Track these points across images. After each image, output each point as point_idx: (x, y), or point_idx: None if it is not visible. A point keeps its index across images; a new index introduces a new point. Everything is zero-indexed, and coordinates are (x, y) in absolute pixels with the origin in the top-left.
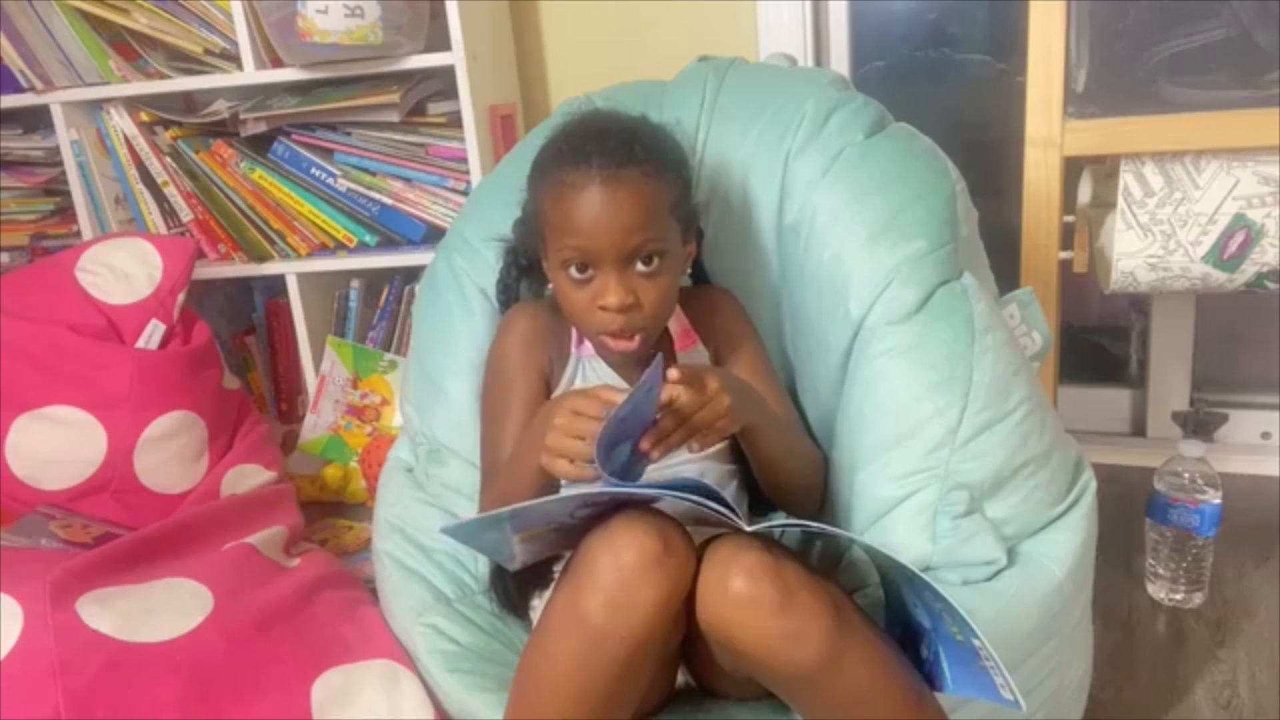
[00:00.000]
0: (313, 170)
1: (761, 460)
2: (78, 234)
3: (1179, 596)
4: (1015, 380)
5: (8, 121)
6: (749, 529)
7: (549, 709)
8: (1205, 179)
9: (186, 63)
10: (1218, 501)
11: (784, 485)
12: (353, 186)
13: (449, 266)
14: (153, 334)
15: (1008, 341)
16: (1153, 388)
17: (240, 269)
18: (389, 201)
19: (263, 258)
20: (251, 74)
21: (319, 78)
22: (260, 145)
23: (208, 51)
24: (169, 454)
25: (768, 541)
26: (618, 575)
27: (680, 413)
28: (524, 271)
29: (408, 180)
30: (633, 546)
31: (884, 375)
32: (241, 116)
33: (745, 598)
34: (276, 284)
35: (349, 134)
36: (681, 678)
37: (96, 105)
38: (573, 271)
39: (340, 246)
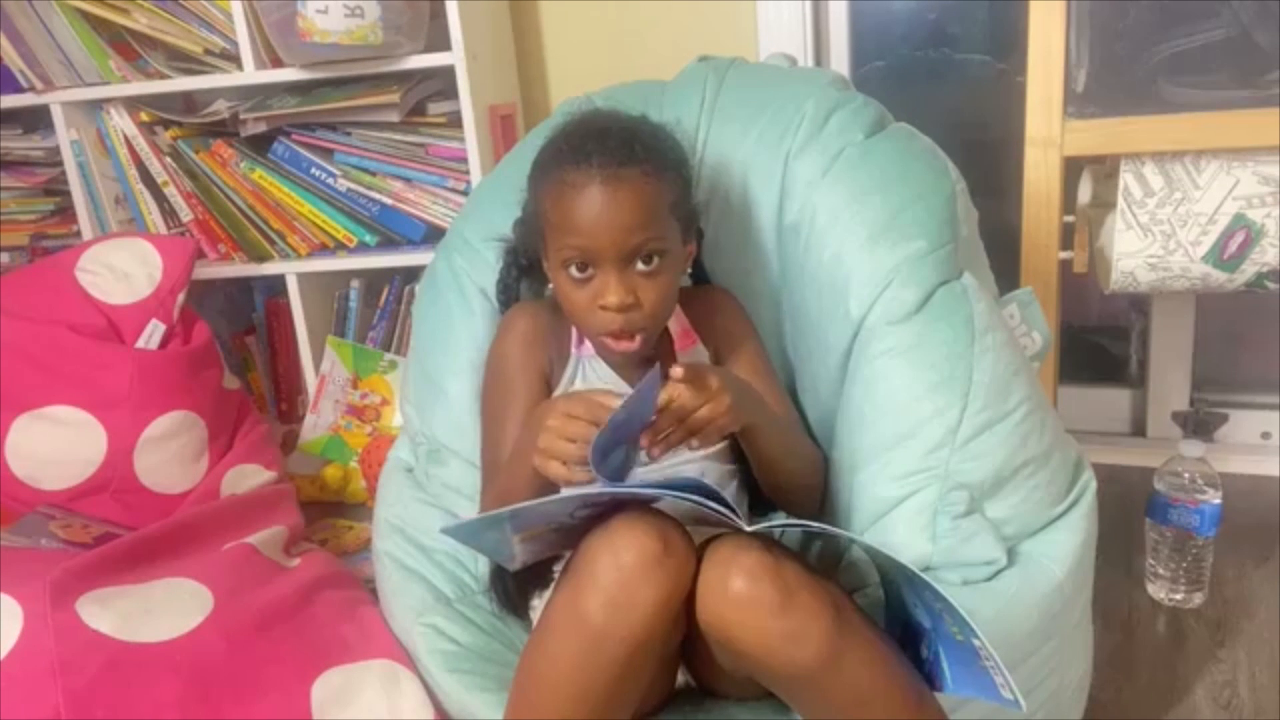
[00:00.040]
0: (313, 170)
1: (761, 460)
2: (78, 234)
3: (1179, 596)
4: (1015, 380)
5: (8, 121)
6: (749, 529)
7: (549, 709)
8: (1205, 179)
9: (186, 63)
10: (1218, 501)
11: (784, 485)
12: (353, 186)
13: (449, 266)
14: (153, 334)
15: (1008, 341)
16: (1153, 388)
17: (240, 269)
18: (389, 201)
19: (263, 258)
20: (251, 74)
21: (319, 78)
22: (260, 145)
23: (208, 51)
24: (169, 454)
25: (768, 541)
26: (618, 575)
27: (681, 410)
28: (524, 271)
29: (408, 180)
30: (633, 546)
31: (884, 375)
32: (241, 116)
33: (745, 598)
34: (276, 284)
35: (349, 134)
36: (681, 678)
37: (96, 105)
38: (573, 271)
39: (340, 246)
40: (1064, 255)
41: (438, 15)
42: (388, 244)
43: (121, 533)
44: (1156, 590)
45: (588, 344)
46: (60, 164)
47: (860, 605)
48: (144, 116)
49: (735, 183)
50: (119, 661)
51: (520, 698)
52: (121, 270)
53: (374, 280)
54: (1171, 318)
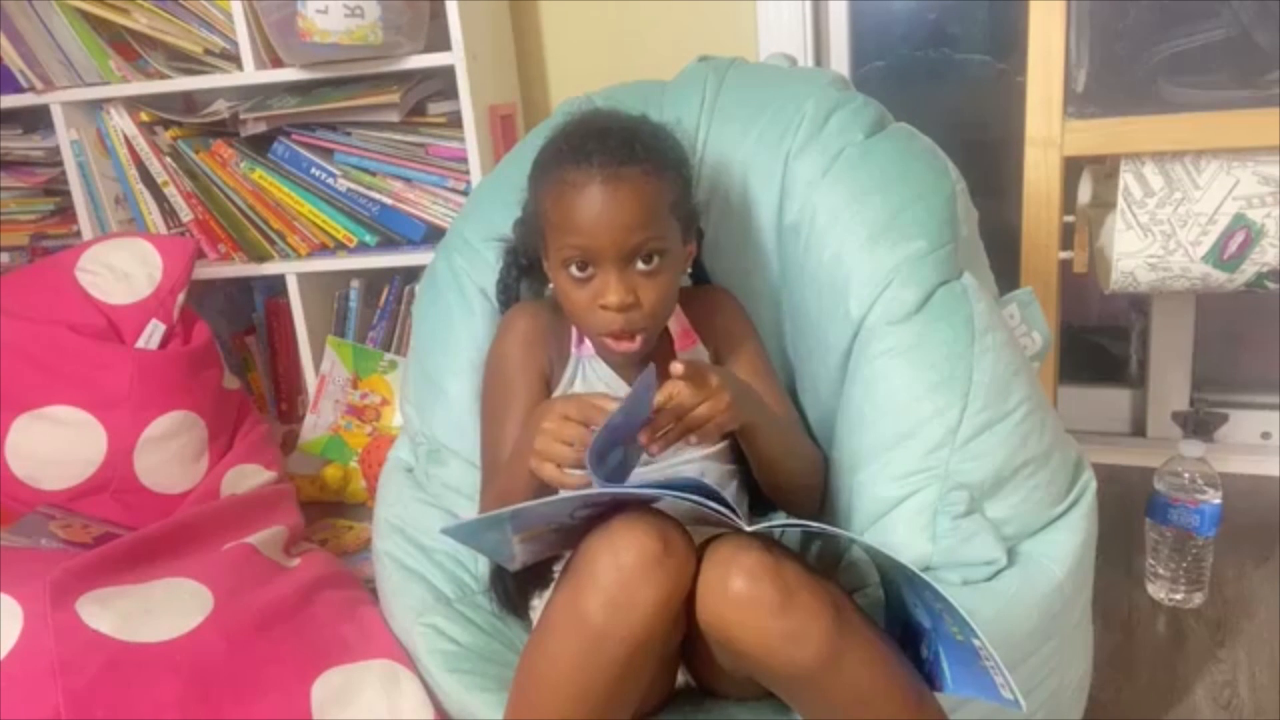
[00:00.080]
0: (313, 170)
1: (761, 460)
2: (78, 234)
3: (1179, 596)
4: (1015, 380)
5: (8, 121)
6: (749, 529)
7: (549, 709)
8: (1205, 179)
9: (186, 63)
10: (1218, 501)
11: (784, 485)
12: (353, 186)
13: (449, 266)
14: (153, 334)
15: (1008, 341)
16: (1153, 388)
17: (240, 269)
18: (389, 201)
19: (263, 258)
20: (251, 74)
21: (319, 78)
22: (260, 145)
23: (208, 51)
24: (169, 454)
25: (768, 541)
26: (618, 575)
27: (680, 408)
28: (524, 271)
29: (408, 180)
30: (633, 546)
31: (884, 375)
32: (241, 116)
33: (745, 598)
34: (276, 284)
35: (349, 134)
36: (681, 678)
37: (96, 105)
38: (573, 270)
39: (340, 246)
40: (1064, 255)
41: (438, 15)
42: (388, 244)
43: (121, 533)
44: (1156, 590)
45: (588, 344)
46: (60, 164)
47: (860, 605)
48: (144, 116)
49: (735, 183)
50: (119, 661)
51: (520, 698)
52: (121, 270)
53: (374, 280)
54: (1171, 318)
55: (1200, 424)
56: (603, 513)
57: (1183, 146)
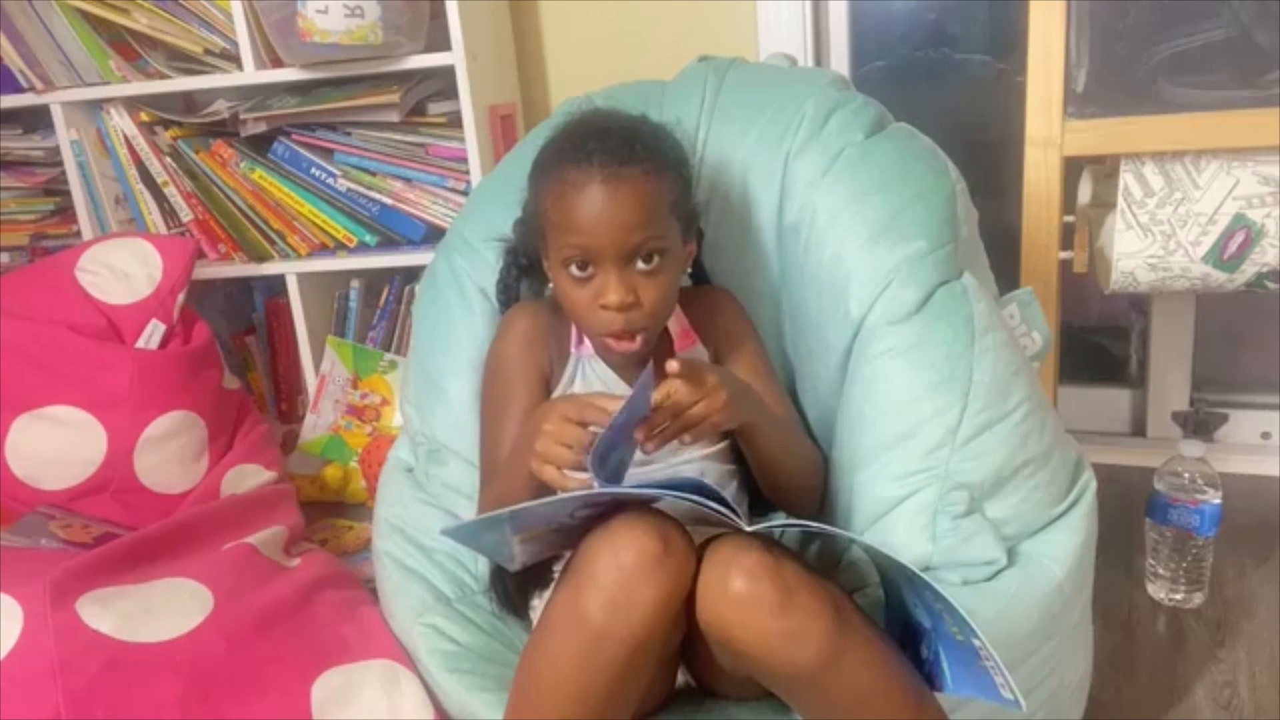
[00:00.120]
0: (313, 170)
1: (760, 459)
2: (78, 234)
3: (1179, 596)
4: (1015, 380)
5: (8, 121)
6: (749, 529)
7: (549, 709)
8: (1205, 179)
9: (186, 63)
10: (1218, 501)
11: (783, 485)
12: (353, 186)
13: (449, 266)
14: (153, 334)
15: (1008, 341)
16: (1153, 388)
17: (240, 269)
18: (389, 201)
19: (263, 258)
20: (251, 74)
21: (319, 78)
22: (260, 145)
23: (208, 51)
24: (169, 454)
25: (768, 541)
26: (618, 575)
27: (677, 406)
28: (524, 271)
29: (408, 180)
30: (633, 546)
31: (884, 375)
32: (241, 116)
33: (745, 598)
34: (276, 284)
35: (349, 134)
36: (681, 678)
37: (96, 105)
38: (573, 270)
39: (340, 246)
40: (1064, 255)
41: (438, 15)
42: (388, 244)
43: (121, 533)
44: (1156, 590)
45: (587, 344)
46: (60, 164)
47: (860, 605)
48: (144, 116)
49: (735, 183)
50: (119, 661)
51: (520, 698)
52: (121, 270)
53: (374, 280)
54: (1171, 318)
55: (1200, 424)
56: (603, 513)
57: (1183, 146)
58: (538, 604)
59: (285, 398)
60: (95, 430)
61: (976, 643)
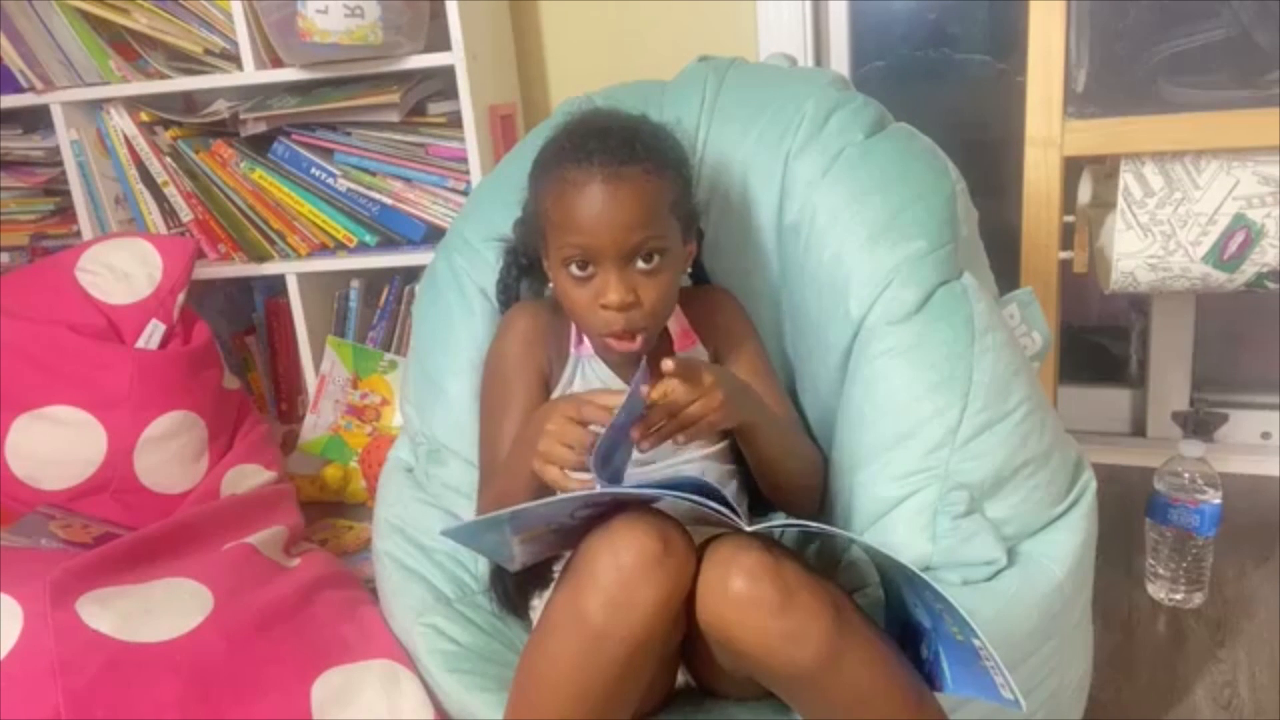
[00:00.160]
0: (313, 170)
1: (759, 459)
2: (78, 234)
3: (1179, 596)
4: (1015, 380)
5: (8, 121)
6: (749, 529)
7: (549, 709)
8: (1205, 179)
9: (186, 63)
10: (1218, 501)
11: (783, 485)
12: (353, 186)
13: (449, 266)
14: (153, 334)
15: (1008, 341)
16: (1153, 388)
17: (240, 269)
18: (389, 201)
19: (263, 258)
20: (251, 74)
21: (319, 78)
22: (260, 145)
23: (208, 51)
24: (169, 454)
25: (768, 541)
26: (618, 575)
27: (673, 405)
28: (524, 271)
29: (408, 180)
30: (633, 546)
31: (884, 375)
32: (241, 116)
33: (745, 598)
34: (276, 284)
35: (349, 134)
36: (681, 678)
37: (96, 105)
38: (573, 269)
39: (340, 246)
40: (1064, 255)
41: (438, 15)
42: (388, 244)
43: (121, 533)
44: (1156, 590)
45: (587, 344)
46: (60, 164)
47: (860, 605)
48: (144, 116)
49: (735, 183)
50: (119, 661)
51: (520, 697)
52: (121, 270)
53: (374, 280)
54: (1171, 318)
55: (1200, 424)
56: (603, 513)
57: (1183, 146)
58: (538, 604)
59: (285, 398)
60: (95, 430)
61: (976, 643)
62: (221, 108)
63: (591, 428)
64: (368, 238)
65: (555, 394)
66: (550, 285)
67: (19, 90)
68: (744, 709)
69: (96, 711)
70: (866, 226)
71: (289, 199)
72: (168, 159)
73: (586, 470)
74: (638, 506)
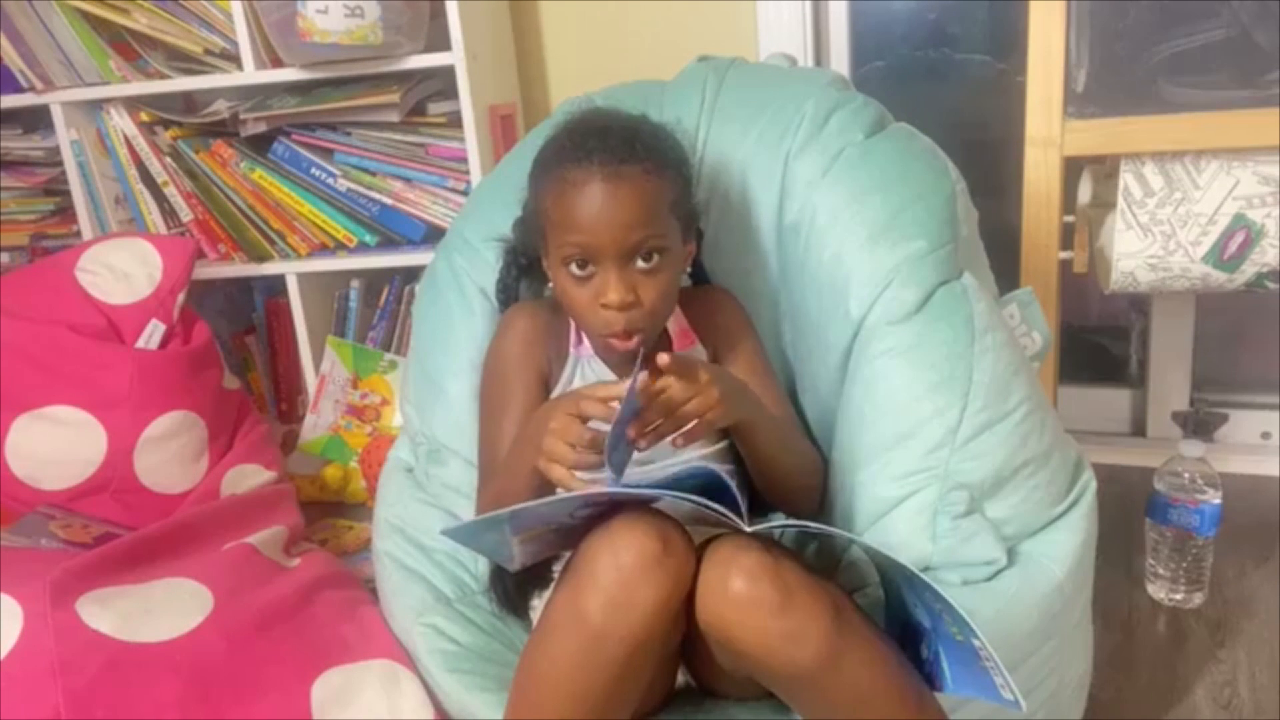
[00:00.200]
0: (313, 170)
1: (757, 458)
2: (78, 234)
3: (1179, 596)
4: (1015, 380)
5: (8, 121)
6: (749, 529)
7: (549, 709)
8: (1205, 179)
9: (186, 63)
10: (1218, 501)
11: (781, 485)
12: (353, 186)
13: (449, 266)
14: (153, 334)
15: (1008, 341)
16: (1153, 388)
17: (240, 269)
18: (389, 201)
19: (263, 258)
20: (251, 74)
21: (319, 78)
22: (260, 145)
23: (208, 51)
24: (169, 454)
25: (767, 542)
26: (618, 575)
27: (670, 402)
28: (524, 271)
29: (408, 180)
30: (633, 546)
31: (884, 375)
32: (241, 116)
33: (745, 598)
34: (276, 284)
35: (349, 134)
36: (681, 678)
37: (96, 105)
38: (573, 269)
39: (340, 246)
40: (1064, 255)
41: (438, 15)
42: (388, 244)
43: (121, 533)
44: (1156, 590)
45: (586, 344)
46: (60, 164)
47: (860, 605)
48: (144, 116)
49: (735, 183)
50: (119, 661)
51: (520, 697)
52: (121, 270)
53: (374, 280)
54: (1171, 318)
55: (1200, 424)
56: (603, 513)
57: (1183, 146)
58: (538, 604)
59: (285, 398)
60: (95, 430)
61: (976, 643)
62: (221, 108)
63: (593, 424)
64: (368, 238)
65: (555, 394)
66: (550, 285)
67: (19, 90)
68: (744, 709)
69: (96, 711)
70: (866, 226)
71: (289, 199)
72: (168, 159)
73: (591, 468)
74: (637, 506)
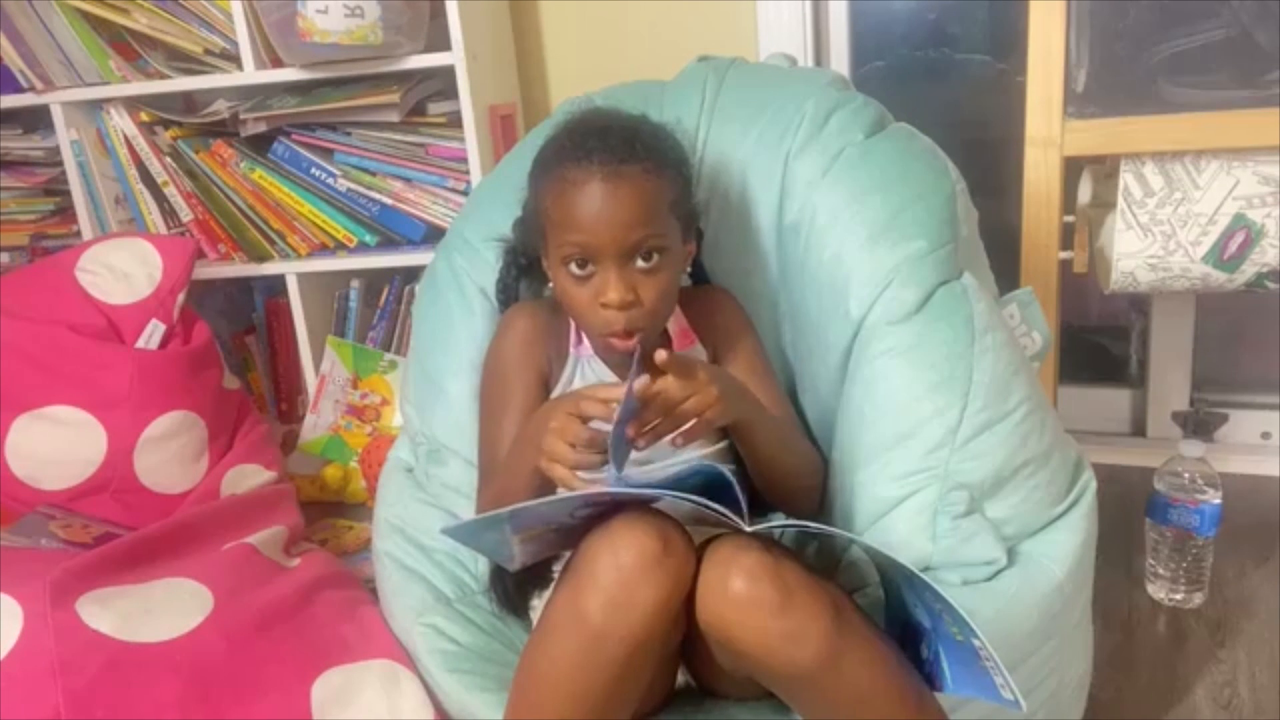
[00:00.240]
0: (313, 170)
1: (757, 458)
2: (78, 234)
3: (1179, 596)
4: (1015, 380)
5: (8, 121)
6: (749, 529)
7: (549, 709)
8: (1205, 179)
9: (186, 63)
10: (1218, 501)
11: (780, 484)
12: (353, 186)
13: (449, 266)
14: (153, 334)
15: (1008, 341)
16: (1153, 388)
17: (240, 269)
18: (389, 201)
19: (263, 258)
20: (251, 74)
21: (319, 78)
22: (260, 145)
23: (208, 51)
24: (169, 454)
25: (767, 542)
26: (618, 575)
27: (668, 401)
28: (524, 271)
29: (408, 180)
30: (633, 546)
31: (884, 375)
32: (241, 116)
33: (745, 598)
34: (276, 284)
35: (349, 134)
36: (681, 678)
37: (96, 105)
38: (573, 268)
39: (340, 246)
40: (1064, 255)
41: (438, 15)
42: (388, 244)
43: (121, 533)
44: (1156, 590)
45: (586, 343)
46: (60, 164)
47: (860, 605)
48: (144, 116)
49: (735, 183)
50: (119, 661)
51: (520, 697)
52: (121, 270)
53: (374, 280)
54: (1171, 318)
55: (1200, 424)
56: (603, 513)
57: (1183, 146)
58: (538, 604)
59: (285, 398)
60: (95, 430)
61: (976, 643)
62: (221, 108)
63: (593, 424)
64: (368, 238)
65: (555, 394)
66: (550, 285)
67: (19, 90)
68: (744, 709)
69: (96, 711)
70: (866, 226)
71: (289, 199)
72: (168, 159)
73: (592, 468)
74: (638, 506)
